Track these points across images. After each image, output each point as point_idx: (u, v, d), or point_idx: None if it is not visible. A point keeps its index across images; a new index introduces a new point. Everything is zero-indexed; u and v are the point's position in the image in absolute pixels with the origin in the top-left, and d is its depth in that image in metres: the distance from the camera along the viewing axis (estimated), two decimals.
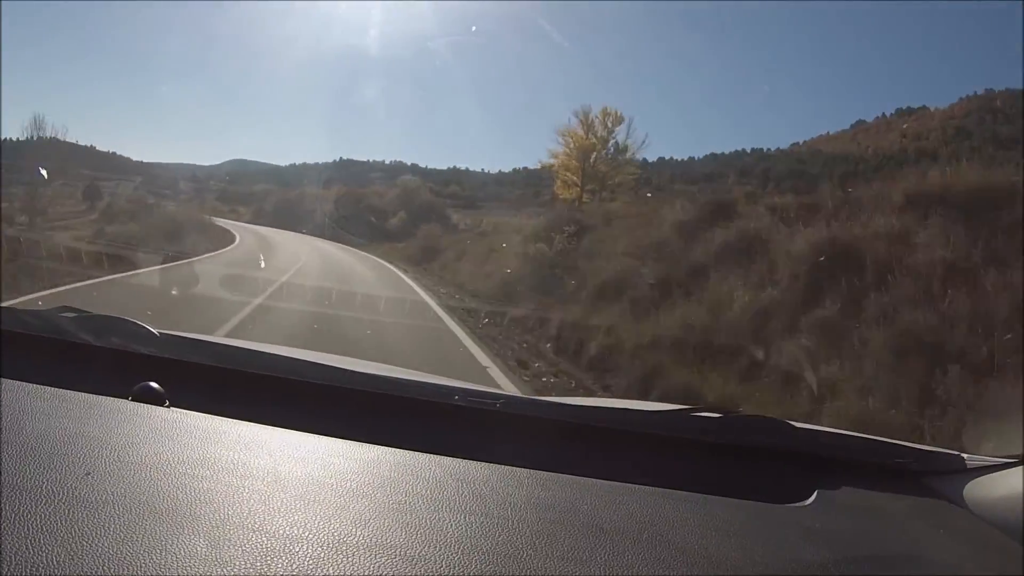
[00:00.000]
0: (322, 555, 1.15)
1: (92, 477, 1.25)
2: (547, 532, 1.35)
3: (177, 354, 1.81)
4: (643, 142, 30.02)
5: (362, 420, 1.71)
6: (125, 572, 1.04)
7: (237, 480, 1.34)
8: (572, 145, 29.46)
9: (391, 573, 1.15)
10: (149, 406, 1.59)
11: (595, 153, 29.40)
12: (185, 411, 1.58)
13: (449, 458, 1.58)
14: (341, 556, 1.16)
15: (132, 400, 1.59)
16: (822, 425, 1.99)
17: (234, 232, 30.74)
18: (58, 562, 1.03)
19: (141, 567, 1.05)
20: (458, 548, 1.25)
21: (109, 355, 1.78)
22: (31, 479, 1.20)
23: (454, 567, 1.20)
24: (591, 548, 1.32)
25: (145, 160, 40.23)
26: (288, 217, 36.65)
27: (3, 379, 1.57)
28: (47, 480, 1.21)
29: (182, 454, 1.40)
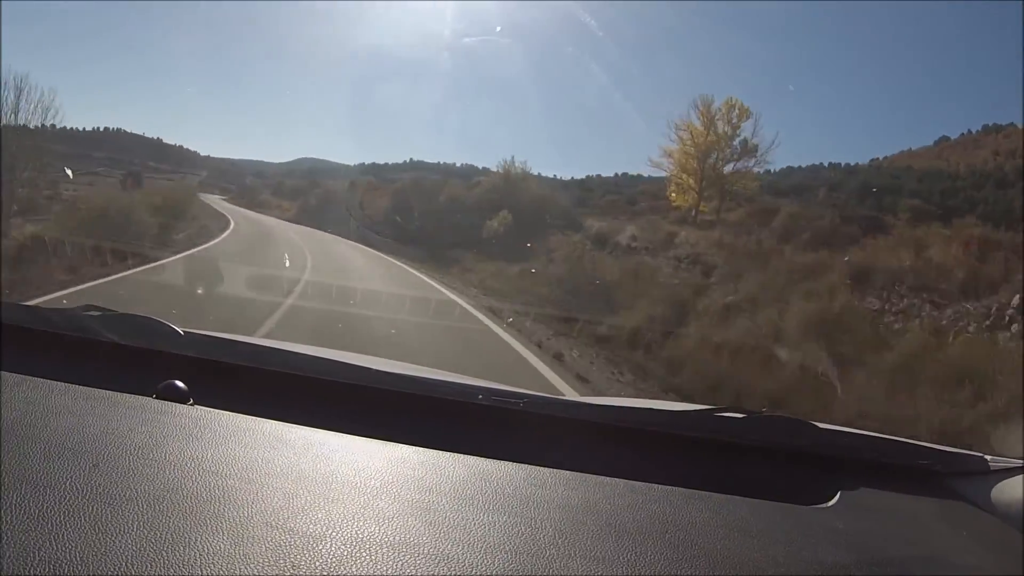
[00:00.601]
0: (345, 553, 1.16)
1: (117, 474, 1.27)
2: (570, 531, 1.36)
3: (201, 352, 1.81)
4: (773, 142, 22.54)
5: (386, 419, 1.71)
6: (149, 569, 1.05)
7: (260, 478, 1.35)
8: (690, 142, 22.73)
9: (415, 572, 1.16)
10: (173, 404, 1.60)
11: (716, 153, 22.71)
12: (209, 409, 1.59)
13: (473, 457, 1.58)
14: (365, 554, 1.17)
15: (156, 398, 1.60)
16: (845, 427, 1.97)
17: (230, 221, 27.55)
18: (82, 558, 1.04)
19: (164, 564, 1.06)
20: (481, 547, 1.25)
21: (133, 353, 1.80)
22: (56, 476, 1.22)
23: (478, 566, 1.20)
24: (614, 548, 1.33)
25: (214, 155, 40.18)
26: (332, 215, 30.97)
27: (28, 377, 1.58)
28: (71, 477, 1.22)
29: (206, 452, 1.40)
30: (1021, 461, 1.83)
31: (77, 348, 1.79)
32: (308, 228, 29.18)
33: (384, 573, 1.14)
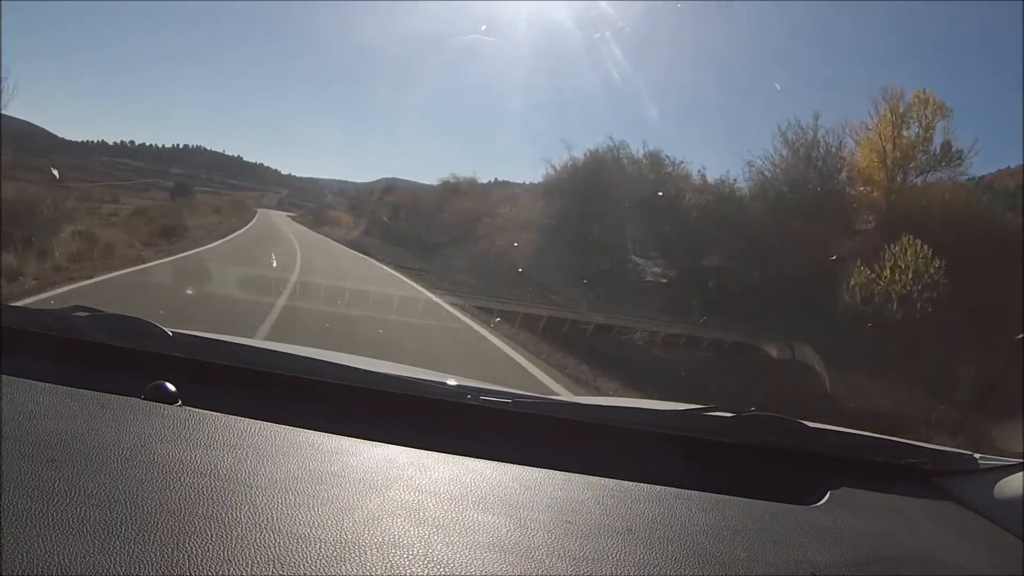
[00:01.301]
0: (334, 554, 1.15)
1: (105, 475, 1.25)
2: (559, 531, 1.35)
3: (190, 353, 1.81)
4: (971, 148, 15.94)
5: (374, 419, 1.71)
6: (136, 571, 1.04)
7: (248, 479, 1.34)
8: (880, 145, 16.21)
9: (403, 572, 1.15)
10: (162, 405, 1.59)
11: (913, 161, 16.07)
12: (197, 410, 1.58)
13: (462, 457, 1.58)
14: (353, 555, 1.16)
15: (145, 399, 1.59)
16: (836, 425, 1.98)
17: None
18: (70, 560, 1.03)
19: (152, 566, 1.05)
20: (471, 547, 1.25)
21: (122, 354, 1.78)
22: (43, 478, 1.21)
23: (467, 566, 1.20)
24: (604, 548, 1.32)
25: (296, 174, 40.57)
26: (403, 236, 24.85)
27: (15, 378, 1.57)
28: (59, 478, 1.21)
29: (194, 453, 1.40)
30: (1010, 460, 1.84)
31: (65, 349, 1.78)
32: (355, 254, 24.13)
33: (373, 574, 1.13)
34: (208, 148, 37.30)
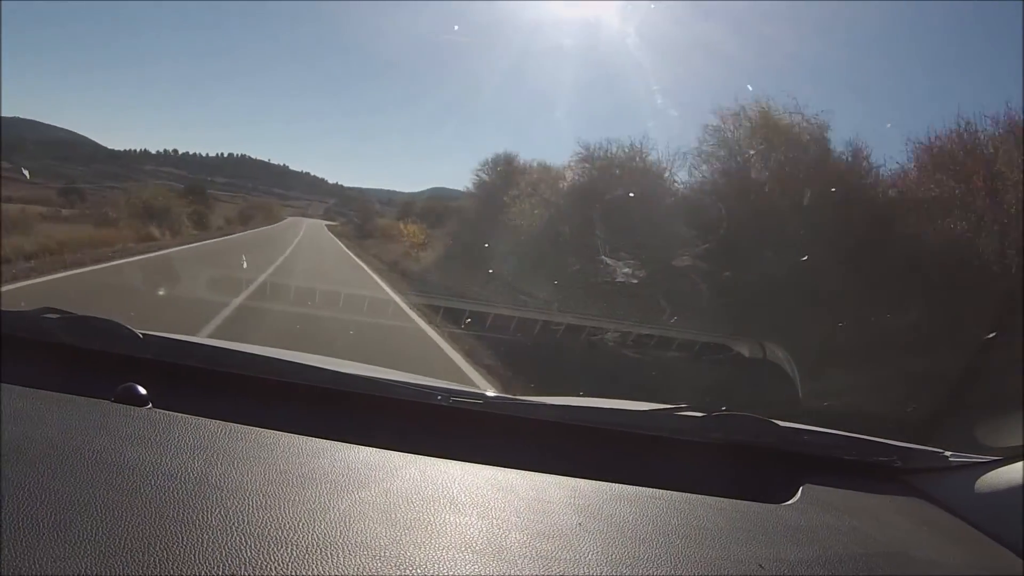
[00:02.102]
0: (305, 555, 1.15)
1: (75, 478, 1.24)
2: (531, 532, 1.35)
3: (160, 355, 1.79)
4: None
5: (345, 420, 1.70)
6: (106, 572, 1.03)
7: (219, 481, 1.33)
8: None
9: (375, 573, 1.15)
10: (132, 407, 1.57)
11: None
12: (168, 412, 1.57)
13: (432, 458, 1.57)
14: (324, 556, 1.16)
15: (115, 401, 1.58)
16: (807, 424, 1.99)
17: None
18: (39, 564, 1.02)
19: (122, 569, 1.04)
20: (442, 547, 1.25)
21: (92, 356, 1.77)
22: (12, 481, 1.19)
23: (438, 567, 1.19)
24: (576, 548, 1.32)
25: (344, 183, 40.10)
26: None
27: None
28: (29, 482, 1.20)
29: (164, 455, 1.39)
30: (980, 457, 1.85)
31: (35, 351, 1.76)
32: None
33: (344, 574, 1.13)
34: (253, 157, 37.44)
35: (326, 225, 35.70)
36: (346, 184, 40.14)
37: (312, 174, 40.02)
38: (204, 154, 35.53)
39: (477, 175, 20.69)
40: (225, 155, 36.43)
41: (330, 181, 39.97)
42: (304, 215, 36.81)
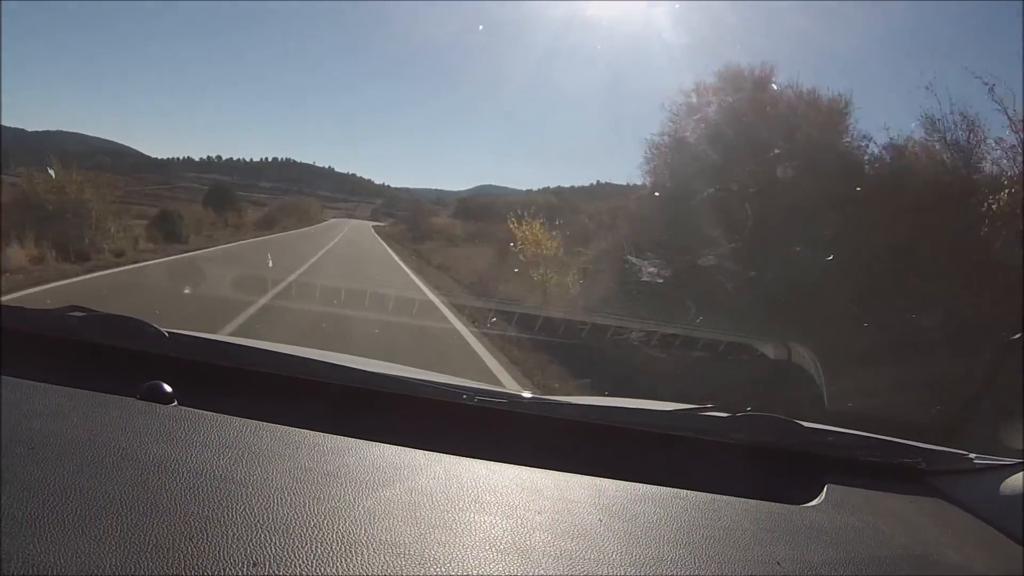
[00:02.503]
0: (329, 553, 1.16)
1: (101, 475, 1.26)
2: (556, 532, 1.35)
3: (185, 354, 1.81)
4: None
5: (370, 418, 1.71)
6: (131, 571, 1.04)
7: (243, 478, 1.34)
8: None
9: (399, 572, 1.15)
10: (158, 405, 1.59)
11: None
12: (193, 410, 1.58)
13: (458, 457, 1.58)
14: (348, 554, 1.16)
15: (140, 399, 1.59)
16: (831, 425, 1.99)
17: None
18: (66, 560, 1.03)
19: (147, 566, 1.05)
20: (466, 547, 1.25)
21: (117, 354, 1.79)
22: (39, 478, 1.21)
23: (462, 566, 1.20)
24: (600, 548, 1.33)
25: (391, 184, 39.51)
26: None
27: (10, 378, 1.57)
28: (55, 479, 1.21)
29: (190, 452, 1.40)
30: (1006, 460, 1.84)
31: (61, 349, 1.77)
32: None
33: (368, 573, 1.13)
34: (297, 160, 37.12)
35: (372, 227, 34.30)
36: (393, 184, 39.45)
37: (358, 175, 39.45)
38: (248, 159, 35.52)
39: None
40: (270, 159, 36.30)
41: (376, 182, 39.36)
42: (351, 216, 36.00)
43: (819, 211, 10.86)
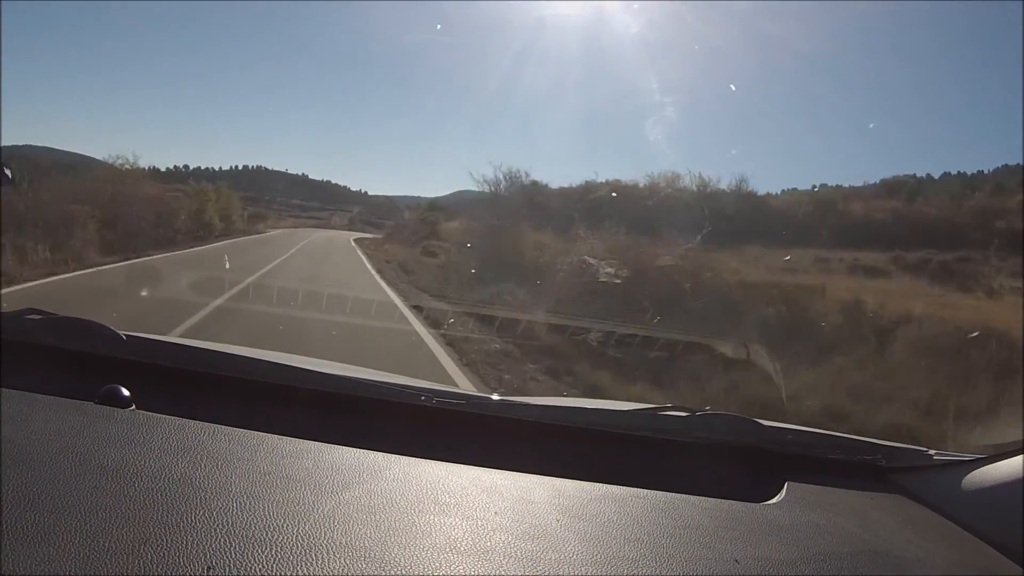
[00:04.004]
0: (290, 557, 1.14)
1: (59, 480, 1.23)
2: (516, 533, 1.35)
3: (143, 356, 1.78)
4: None
5: (328, 421, 1.70)
6: (91, 573, 1.03)
7: (203, 483, 1.32)
8: None
9: (359, 574, 1.14)
10: (115, 409, 1.56)
11: None
12: (151, 413, 1.56)
13: (416, 459, 1.57)
14: (308, 557, 1.15)
15: (98, 403, 1.57)
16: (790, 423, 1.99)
17: None
18: (23, 566, 1.01)
19: (107, 568, 1.04)
20: (426, 548, 1.24)
21: (75, 358, 1.76)
22: None
23: (423, 568, 1.19)
24: (561, 549, 1.32)
25: (369, 191, 38.01)
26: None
27: None
28: (11, 484, 1.18)
29: (148, 456, 1.38)
30: (965, 456, 1.85)
31: (17, 352, 1.74)
32: None
33: (328, 575, 1.13)
34: (269, 168, 35.83)
35: (353, 240, 29.14)
36: (371, 192, 38.75)
37: (333, 182, 38.37)
38: (217, 168, 34.75)
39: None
40: (240, 167, 35.24)
41: (353, 189, 38.32)
42: (327, 226, 34.38)
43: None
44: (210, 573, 1.07)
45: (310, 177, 37.92)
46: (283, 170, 37.04)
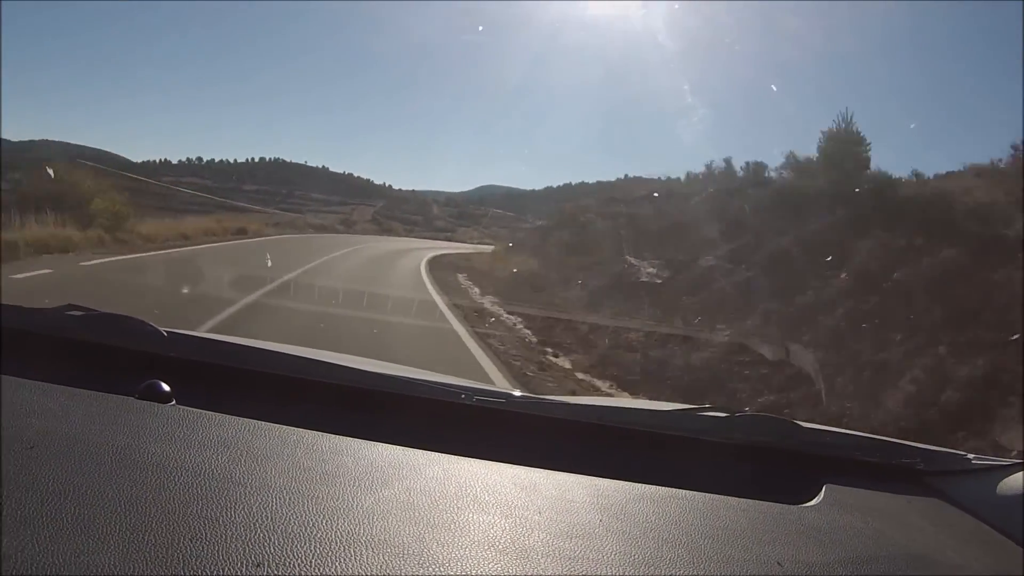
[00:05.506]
0: (327, 552, 1.15)
1: (99, 475, 1.25)
2: (555, 532, 1.35)
3: (184, 353, 1.80)
4: None
5: (368, 418, 1.71)
6: (129, 571, 1.04)
7: (242, 478, 1.34)
8: None
9: (397, 571, 1.15)
10: (156, 404, 1.58)
11: None
12: (192, 409, 1.58)
13: (456, 456, 1.58)
14: (346, 553, 1.16)
15: (139, 398, 1.59)
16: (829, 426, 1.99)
17: None
18: (64, 560, 1.03)
19: (145, 566, 1.05)
20: (465, 546, 1.25)
21: (115, 354, 1.78)
22: (36, 477, 1.20)
23: (461, 565, 1.20)
24: (599, 548, 1.33)
25: (394, 185, 37.34)
26: None
27: (9, 377, 1.56)
28: (52, 478, 1.21)
29: (188, 452, 1.40)
30: (1003, 460, 1.84)
31: (58, 348, 1.77)
32: None
33: (366, 572, 1.13)
34: (288, 160, 35.62)
35: (426, 265, 21.22)
36: (395, 185, 37.61)
37: (356, 175, 37.46)
38: (232, 160, 34.22)
39: None
40: (256, 160, 34.78)
41: (377, 182, 37.40)
42: (348, 220, 32.09)
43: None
44: (256, 571, 1.08)
45: (331, 170, 37.51)
46: (303, 162, 36.74)
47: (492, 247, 27.02)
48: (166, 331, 1.82)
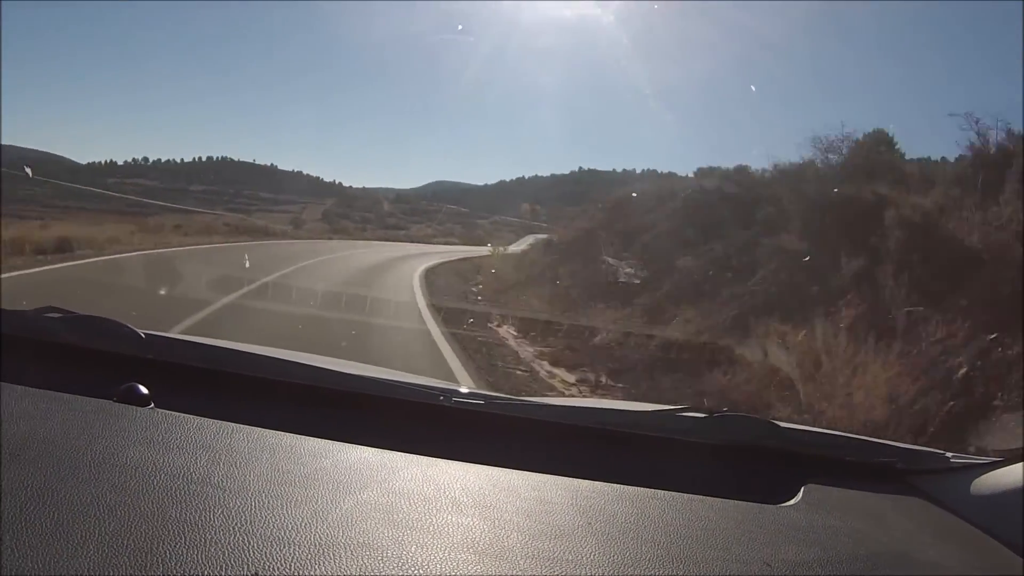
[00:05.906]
0: (307, 556, 1.15)
1: (77, 478, 1.24)
2: (533, 532, 1.35)
3: (162, 355, 1.79)
4: None
5: (347, 420, 1.70)
6: (109, 574, 1.03)
7: (222, 481, 1.33)
8: None
9: (377, 574, 1.15)
10: (134, 407, 1.57)
11: None
12: (170, 412, 1.57)
13: (434, 459, 1.57)
14: (327, 556, 1.15)
15: (117, 401, 1.58)
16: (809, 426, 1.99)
17: None
18: (41, 564, 1.01)
19: (124, 569, 1.04)
20: (444, 548, 1.25)
21: (94, 356, 1.77)
22: (14, 481, 1.19)
23: (441, 567, 1.19)
24: (578, 549, 1.32)
25: (344, 182, 36.45)
26: None
27: None
28: (30, 482, 1.19)
29: (167, 455, 1.38)
30: (983, 458, 1.85)
31: (36, 351, 1.76)
32: None
33: (347, 574, 1.13)
34: (236, 159, 34.72)
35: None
36: (346, 183, 37.07)
37: (306, 173, 36.76)
38: (178, 160, 33.56)
39: None
40: (204, 159, 33.99)
41: (327, 180, 36.80)
42: (297, 219, 31.46)
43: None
44: (239, 574, 1.07)
45: (279, 167, 36.72)
46: (251, 161, 35.90)
47: (490, 250, 24.79)
48: (144, 333, 1.81)
